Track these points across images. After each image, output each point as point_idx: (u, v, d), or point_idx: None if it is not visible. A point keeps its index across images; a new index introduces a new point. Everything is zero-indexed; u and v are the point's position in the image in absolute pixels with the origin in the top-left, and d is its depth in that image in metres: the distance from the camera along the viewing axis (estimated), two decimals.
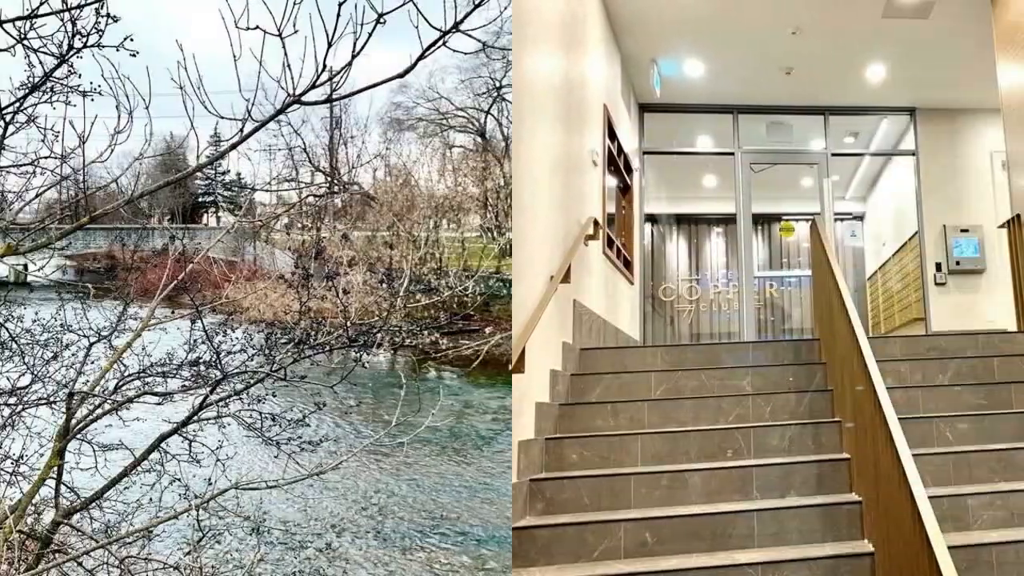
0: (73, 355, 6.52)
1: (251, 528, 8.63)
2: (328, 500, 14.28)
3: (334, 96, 4.12)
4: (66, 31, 4.06)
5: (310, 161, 49.46)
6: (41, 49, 4.14)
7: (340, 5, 3.63)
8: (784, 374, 9.19)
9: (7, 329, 6.25)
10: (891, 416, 5.95)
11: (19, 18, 3.92)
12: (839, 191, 16.59)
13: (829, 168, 15.21)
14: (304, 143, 49.06)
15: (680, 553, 6.43)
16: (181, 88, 4.02)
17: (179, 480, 6.58)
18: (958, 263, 14.83)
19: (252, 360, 6.15)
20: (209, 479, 6.29)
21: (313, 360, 6.18)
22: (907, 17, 11.95)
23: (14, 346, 6.33)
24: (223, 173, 61.38)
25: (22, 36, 4.01)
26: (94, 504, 5.95)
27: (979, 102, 14.34)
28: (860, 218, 18.25)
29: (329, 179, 48.67)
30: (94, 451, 6.45)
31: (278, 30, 3.74)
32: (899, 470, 5.50)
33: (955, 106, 15.10)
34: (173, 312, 6.47)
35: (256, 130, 4.28)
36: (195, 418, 6.01)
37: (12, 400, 6.27)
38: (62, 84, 4.38)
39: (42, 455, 6.14)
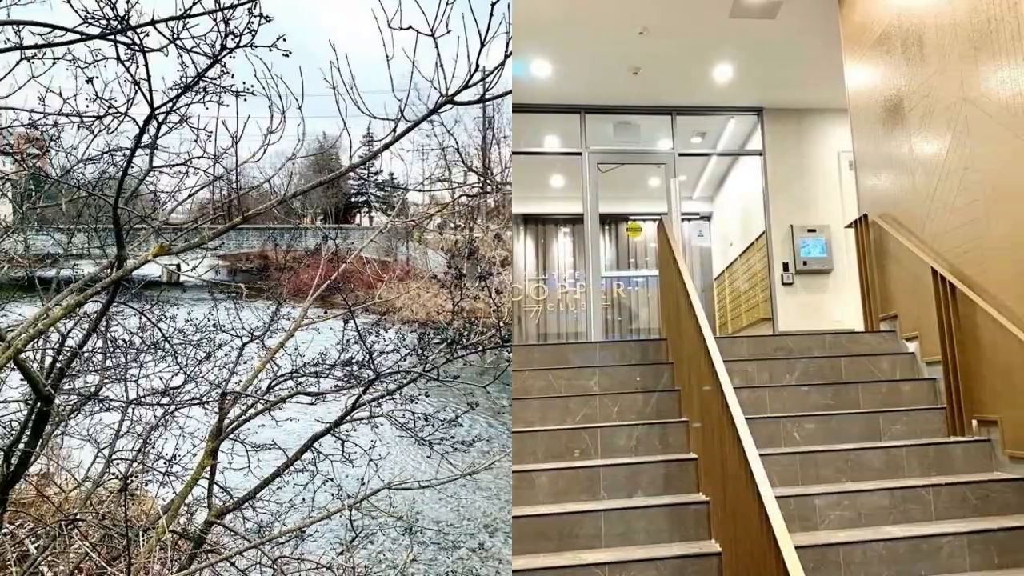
0: (226, 355, 6.59)
1: (404, 528, 8.68)
2: (481, 500, 14.26)
3: (487, 96, 4.05)
4: (219, 31, 4.05)
5: (463, 161, 49.79)
6: (194, 49, 4.13)
7: (493, 5, 3.62)
8: (631, 374, 9.12)
9: (160, 329, 6.35)
10: (738, 416, 5.87)
11: (171, 18, 3.92)
12: (686, 191, 16.65)
13: (676, 168, 14.98)
14: (457, 143, 49.42)
15: (527, 553, 6.49)
16: (334, 88, 4.03)
17: (332, 480, 6.58)
18: (805, 263, 14.70)
19: (405, 360, 6.12)
20: (362, 479, 6.28)
21: (466, 360, 6.12)
22: (754, 17, 11.73)
23: (167, 346, 6.44)
24: (376, 173, 62.40)
25: (175, 36, 4.01)
26: (247, 504, 5.99)
27: (826, 102, 14.33)
28: (707, 218, 18.33)
29: (482, 179, 48.92)
30: (247, 451, 6.49)
31: (431, 30, 3.74)
32: (746, 470, 5.47)
33: (802, 106, 15.13)
34: (326, 312, 6.49)
35: (409, 130, 4.26)
36: (348, 418, 6.01)
37: (165, 400, 6.39)
38: (215, 84, 4.38)
39: (195, 455, 6.23)
